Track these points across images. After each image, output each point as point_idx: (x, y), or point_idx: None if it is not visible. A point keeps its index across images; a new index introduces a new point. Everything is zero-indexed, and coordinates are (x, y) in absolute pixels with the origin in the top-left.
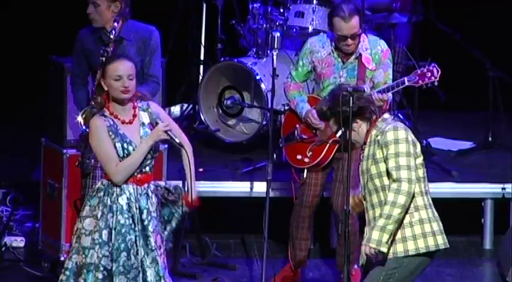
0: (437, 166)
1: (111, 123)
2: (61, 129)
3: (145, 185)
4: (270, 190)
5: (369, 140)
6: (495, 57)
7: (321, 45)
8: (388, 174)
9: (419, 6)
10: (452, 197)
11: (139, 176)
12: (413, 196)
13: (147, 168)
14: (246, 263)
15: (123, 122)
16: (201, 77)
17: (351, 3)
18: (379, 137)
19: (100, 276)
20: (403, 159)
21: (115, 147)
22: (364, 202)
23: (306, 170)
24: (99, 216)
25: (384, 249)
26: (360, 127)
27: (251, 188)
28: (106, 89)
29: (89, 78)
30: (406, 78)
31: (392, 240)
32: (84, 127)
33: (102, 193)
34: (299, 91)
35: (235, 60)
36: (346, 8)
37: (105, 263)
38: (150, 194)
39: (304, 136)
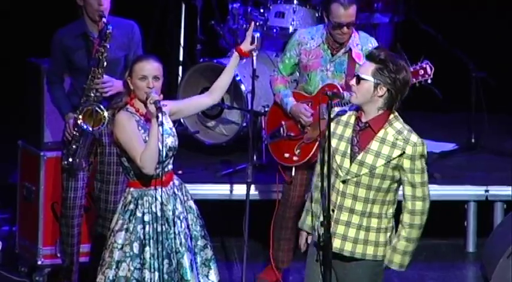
0: None
1: (138, 119)
2: (38, 131)
3: (171, 183)
4: (250, 192)
5: (381, 134)
6: (478, 57)
7: (310, 37)
8: (401, 183)
9: (401, 6)
10: (435, 200)
11: (164, 177)
12: (394, 203)
13: (170, 167)
14: (226, 266)
15: (146, 120)
16: (180, 78)
17: None
18: (401, 143)
19: None
20: (426, 175)
21: (145, 141)
22: (342, 185)
23: (294, 169)
24: (131, 229)
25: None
26: (377, 94)
27: (231, 191)
28: (132, 87)
29: (68, 77)
30: None
31: (371, 242)
32: (85, 126)
33: (132, 206)
34: (285, 85)
35: (215, 60)
36: None
37: (137, 276)
38: (176, 192)
39: (291, 133)
